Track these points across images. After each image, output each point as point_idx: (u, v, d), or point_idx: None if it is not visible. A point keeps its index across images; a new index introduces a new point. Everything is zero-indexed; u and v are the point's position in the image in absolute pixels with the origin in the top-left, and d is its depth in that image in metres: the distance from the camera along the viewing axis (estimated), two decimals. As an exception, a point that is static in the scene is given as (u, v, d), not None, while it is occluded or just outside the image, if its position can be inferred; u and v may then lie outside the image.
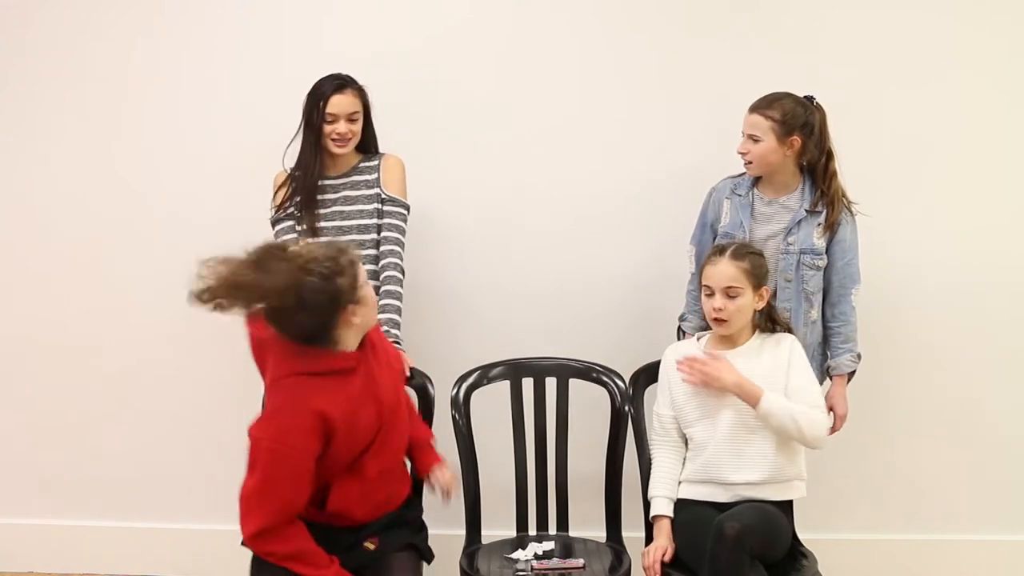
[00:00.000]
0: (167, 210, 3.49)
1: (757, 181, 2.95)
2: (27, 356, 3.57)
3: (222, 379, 3.32)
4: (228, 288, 2.20)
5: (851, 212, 2.91)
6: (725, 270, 2.66)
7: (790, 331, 2.77)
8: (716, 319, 2.68)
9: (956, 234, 3.41)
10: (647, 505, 2.87)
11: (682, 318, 3.10)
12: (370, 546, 2.44)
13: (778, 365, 2.68)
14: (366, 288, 2.33)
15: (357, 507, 2.41)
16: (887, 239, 3.34)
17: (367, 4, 3.44)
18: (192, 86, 3.47)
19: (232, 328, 3.41)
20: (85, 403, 3.56)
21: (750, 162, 2.89)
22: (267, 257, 2.23)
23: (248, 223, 3.31)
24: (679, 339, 3.06)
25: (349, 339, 2.33)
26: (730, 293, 2.65)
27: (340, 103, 2.94)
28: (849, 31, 3.37)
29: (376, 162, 3.05)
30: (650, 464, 2.84)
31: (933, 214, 3.41)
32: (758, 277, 2.68)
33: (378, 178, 3.03)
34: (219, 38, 3.46)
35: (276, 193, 3.04)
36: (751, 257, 2.69)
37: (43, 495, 3.60)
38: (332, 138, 2.96)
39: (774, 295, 2.84)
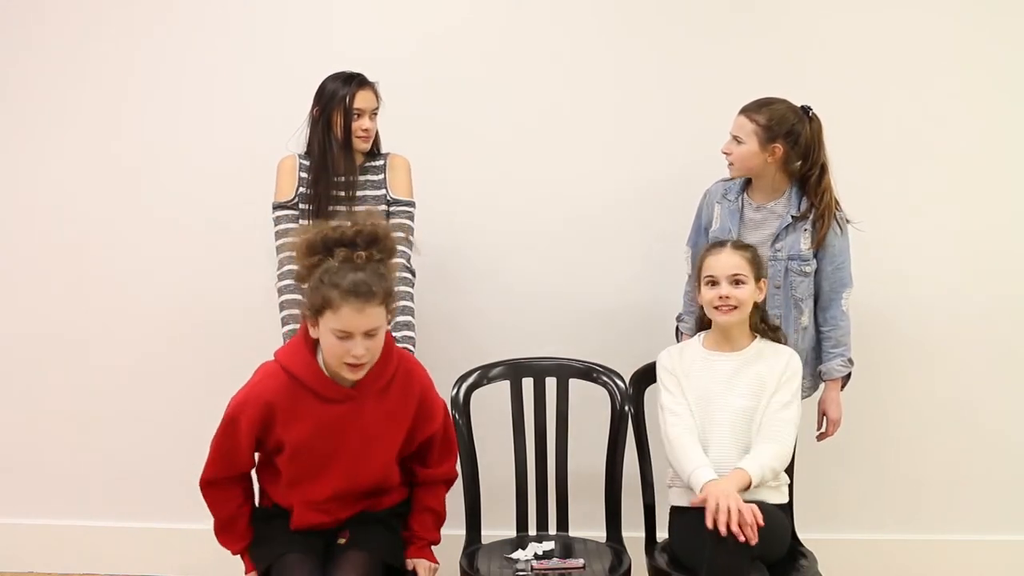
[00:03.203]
0: (168, 209, 3.49)
1: (747, 186, 2.95)
2: (27, 356, 3.57)
3: (223, 379, 3.30)
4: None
5: (840, 225, 2.87)
6: (729, 259, 2.68)
7: (779, 330, 2.79)
8: (720, 307, 2.67)
9: (955, 235, 3.41)
10: (647, 505, 2.88)
11: (679, 318, 3.11)
12: (341, 541, 2.45)
13: (772, 376, 2.68)
14: (329, 336, 2.23)
15: (316, 520, 2.45)
16: (885, 240, 3.34)
17: (368, 5, 3.44)
18: (193, 87, 3.47)
19: (233, 328, 3.44)
20: (85, 403, 3.56)
21: (731, 163, 2.89)
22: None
23: (249, 223, 3.33)
24: (677, 339, 3.07)
25: (336, 366, 2.28)
26: (736, 280, 2.66)
27: (366, 98, 2.94)
28: (848, 32, 3.37)
29: (381, 162, 3.03)
30: (651, 464, 2.87)
31: (932, 214, 3.40)
32: (759, 268, 2.71)
33: (384, 179, 3.01)
34: (221, 39, 3.46)
35: (281, 178, 2.99)
36: (751, 249, 2.74)
37: (43, 495, 3.60)
38: (358, 135, 2.95)
39: (764, 300, 2.84)
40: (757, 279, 2.70)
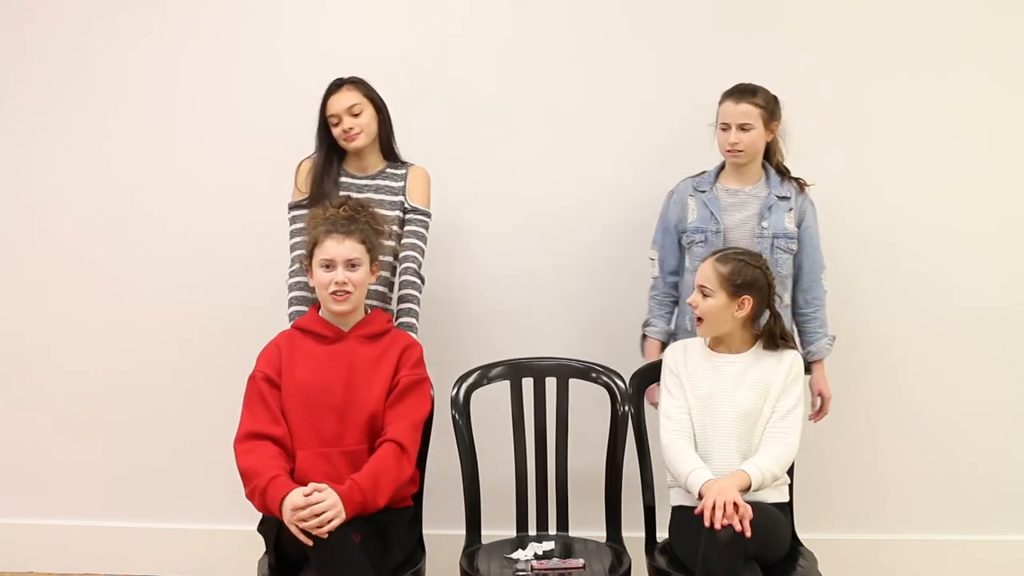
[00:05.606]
0: (163, 211, 3.49)
1: (718, 175, 3.01)
2: (26, 356, 3.57)
3: (222, 378, 3.32)
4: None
5: (811, 201, 2.99)
6: (703, 270, 2.72)
7: (787, 340, 2.77)
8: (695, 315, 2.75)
9: (954, 234, 3.41)
10: (647, 505, 2.88)
11: (646, 324, 3.11)
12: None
13: (775, 379, 2.68)
14: (318, 271, 2.63)
15: (317, 477, 2.46)
16: (885, 237, 3.35)
17: (365, 8, 3.44)
18: (189, 89, 3.47)
19: (234, 329, 3.44)
20: (85, 403, 3.56)
21: (741, 151, 2.92)
22: None
23: (243, 224, 3.33)
24: (642, 348, 3.11)
25: (325, 300, 2.64)
26: (702, 292, 2.70)
27: (337, 102, 2.96)
28: (845, 24, 3.37)
29: (404, 171, 3.06)
30: (651, 464, 2.87)
31: (934, 213, 3.40)
32: (736, 285, 2.65)
33: (404, 186, 3.03)
34: (217, 42, 3.46)
35: (298, 179, 3.04)
36: (736, 264, 2.68)
37: (43, 495, 3.60)
38: (342, 139, 2.97)
39: (772, 316, 2.80)
40: (734, 295, 2.66)
